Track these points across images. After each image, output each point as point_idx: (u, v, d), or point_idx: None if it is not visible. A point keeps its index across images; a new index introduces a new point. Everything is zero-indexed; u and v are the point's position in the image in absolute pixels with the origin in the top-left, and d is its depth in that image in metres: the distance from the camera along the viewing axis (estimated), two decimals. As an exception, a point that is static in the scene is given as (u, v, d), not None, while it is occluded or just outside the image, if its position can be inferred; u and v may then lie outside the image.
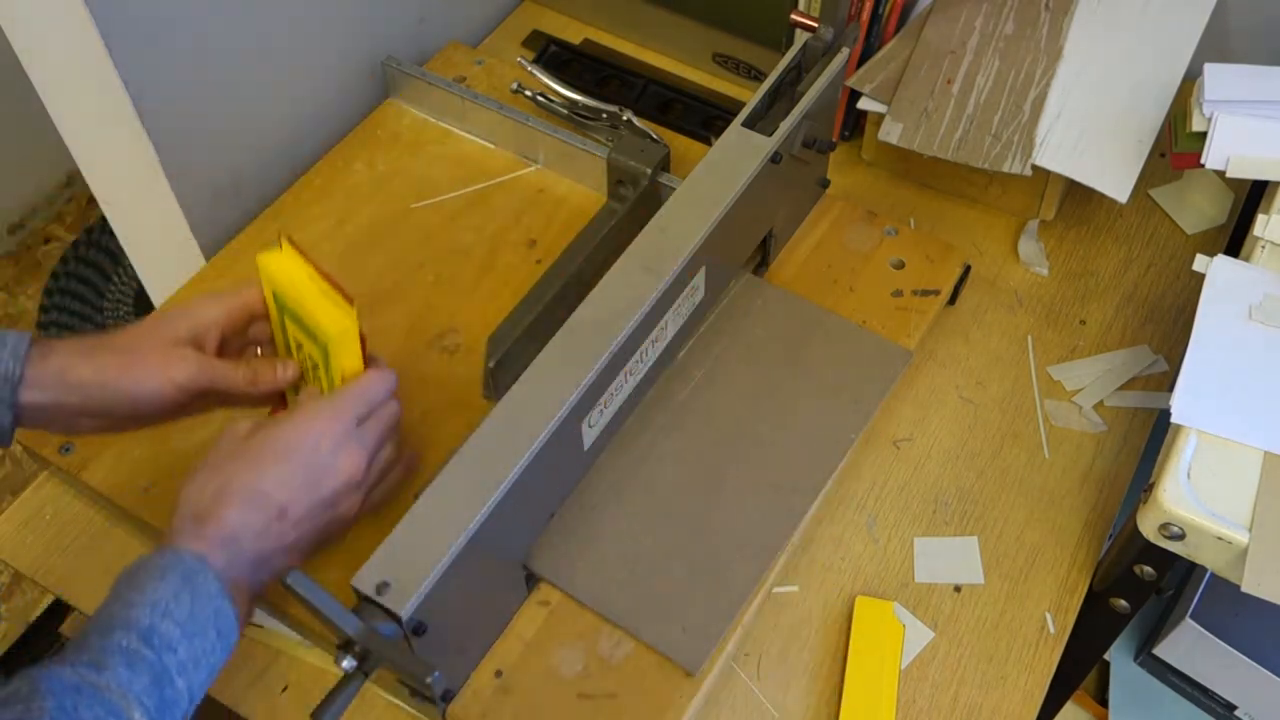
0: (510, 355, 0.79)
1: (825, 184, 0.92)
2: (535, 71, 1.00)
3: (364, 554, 0.60)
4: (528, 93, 0.99)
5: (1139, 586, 0.74)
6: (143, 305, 1.80)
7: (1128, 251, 0.96)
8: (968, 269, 0.90)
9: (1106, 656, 0.97)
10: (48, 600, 1.43)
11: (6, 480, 1.57)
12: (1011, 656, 0.75)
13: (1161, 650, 0.92)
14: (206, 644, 0.58)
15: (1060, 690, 0.80)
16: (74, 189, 1.95)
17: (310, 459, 0.64)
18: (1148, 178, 1.00)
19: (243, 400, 0.72)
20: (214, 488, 0.62)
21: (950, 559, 0.79)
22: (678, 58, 1.11)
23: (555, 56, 1.10)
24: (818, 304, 0.86)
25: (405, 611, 0.57)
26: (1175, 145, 0.85)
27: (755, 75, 1.07)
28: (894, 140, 0.91)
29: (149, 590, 0.57)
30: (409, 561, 0.59)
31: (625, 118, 0.95)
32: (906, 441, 0.84)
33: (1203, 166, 0.80)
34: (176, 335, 0.69)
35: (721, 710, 0.72)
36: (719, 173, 0.76)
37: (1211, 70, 0.83)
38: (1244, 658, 0.84)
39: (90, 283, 1.83)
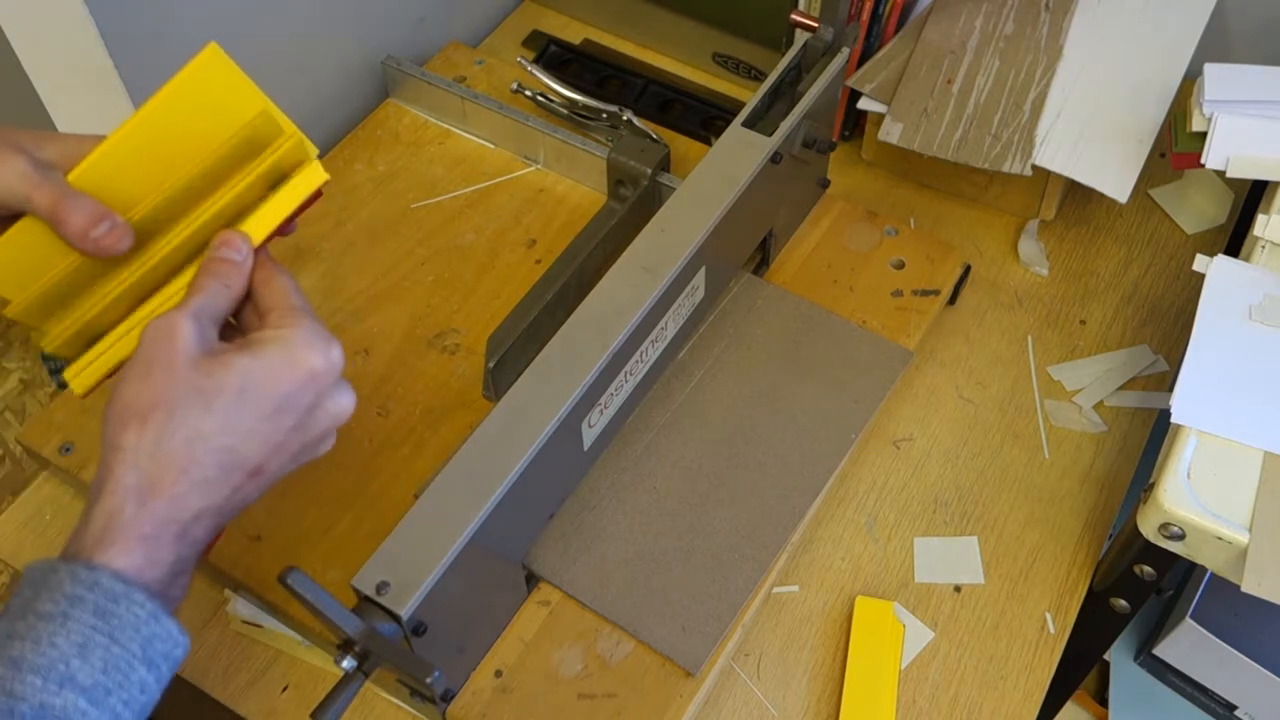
0: (510, 355, 0.79)
1: (825, 184, 0.92)
2: (535, 71, 1.00)
3: (364, 554, 0.60)
4: (528, 93, 0.99)
5: (1139, 586, 0.74)
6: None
7: (1128, 251, 0.96)
8: (968, 269, 0.90)
9: (1106, 656, 0.97)
10: (48, 600, 1.43)
11: (6, 480, 1.57)
12: (1011, 656, 0.75)
13: (1161, 650, 0.92)
14: (129, 692, 0.46)
15: (1060, 690, 0.80)
16: (74, 189, 1.95)
17: (301, 404, 0.51)
18: (1148, 178, 1.00)
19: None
20: (174, 446, 0.48)
21: (950, 559, 0.79)
22: (678, 58, 1.11)
23: (555, 56, 1.10)
24: (818, 304, 0.86)
25: (405, 611, 0.57)
26: (1175, 145, 0.85)
27: (755, 75, 1.07)
28: (894, 140, 0.91)
29: (45, 642, 0.44)
30: (409, 561, 0.59)
31: (625, 118, 0.95)
32: (906, 441, 0.84)
33: (1203, 166, 0.80)
34: (22, 143, 0.52)
35: (721, 710, 0.72)
36: (719, 173, 0.76)
37: (1211, 70, 0.83)
38: (1244, 658, 0.84)
39: (90, 283, 1.83)
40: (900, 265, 0.88)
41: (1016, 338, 0.90)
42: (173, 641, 0.49)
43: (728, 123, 0.79)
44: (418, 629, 0.59)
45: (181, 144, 0.55)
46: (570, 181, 0.96)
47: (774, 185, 0.80)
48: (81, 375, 0.57)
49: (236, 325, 0.57)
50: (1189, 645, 0.89)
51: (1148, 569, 0.72)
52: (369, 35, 1.00)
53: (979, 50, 0.94)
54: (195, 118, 0.55)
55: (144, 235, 0.55)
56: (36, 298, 0.55)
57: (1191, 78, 0.87)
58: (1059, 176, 0.89)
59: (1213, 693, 0.92)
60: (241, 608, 0.75)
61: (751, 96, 0.81)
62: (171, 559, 0.49)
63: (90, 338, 0.57)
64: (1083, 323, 0.91)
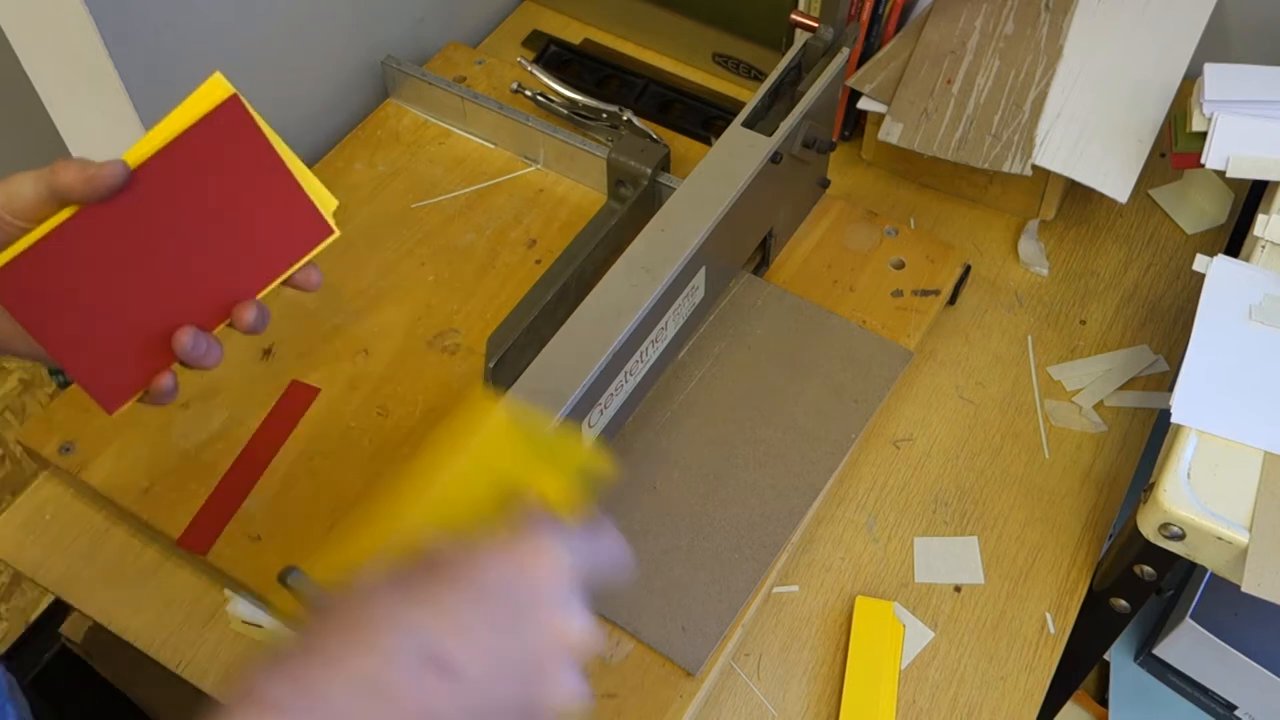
0: (510, 355, 0.79)
1: (825, 184, 0.92)
2: (535, 71, 1.00)
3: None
4: (528, 93, 0.99)
5: (1139, 586, 0.74)
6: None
7: (1128, 251, 0.96)
8: (968, 269, 0.90)
9: (1106, 656, 0.97)
10: (48, 600, 1.43)
11: (6, 480, 1.57)
12: (1011, 656, 0.75)
13: (1161, 650, 0.92)
14: None
15: (1060, 690, 0.80)
16: (74, 189, 1.95)
17: (515, 597, 0.42)
18: (1148, 178, 1.00)
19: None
20: (339, 619, 0.43)
21: (950, 559, 0.79)
22: (678, 58, 1.11)
23: (555, 56, 1.10)
24: (818, 304, 0.86)
25: (405, 611, 0.57)
26: (1175, 145, 0.85)
27: (755, 75, 1.07)
28: (894, 140, 0.91)
29: None
30: (409, 561, 0.59)
31: (625, 118, 0.95)
32: (906, 441, 0.84)
33: (1203, 166, 0.80)
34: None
35: (722, 710, 0.72)
36: (719, 173, 0.76)
37: (1211, 70, 0.83)
38: (1244, 658, 0.84)
39: (90, 283, 1.82)
40: (900, 265, 0.88)
41: (1016, 338, 0.90)
42: None
43: (728, 123, 0.79)
44: (418, 629, 0.59)
45: None
46: (570, 181, 0.96)
47: (774, 185, 0.80)
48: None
49: None
50: (1189, 645, 0.89)
51: (1148, 569, 0.72)
52: (368, 35, 1.00)
53: (979, 50, 0.94)
54: None
55: None
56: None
57: (1191, 78, 0.87)
58: (1059, 176, 0.89)
59: (1213, 693, 0.92)
60: (241, 608, 0.75)
61: (751, 96, 0.81)
62: None
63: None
64: (1083, 323, 0.91)
